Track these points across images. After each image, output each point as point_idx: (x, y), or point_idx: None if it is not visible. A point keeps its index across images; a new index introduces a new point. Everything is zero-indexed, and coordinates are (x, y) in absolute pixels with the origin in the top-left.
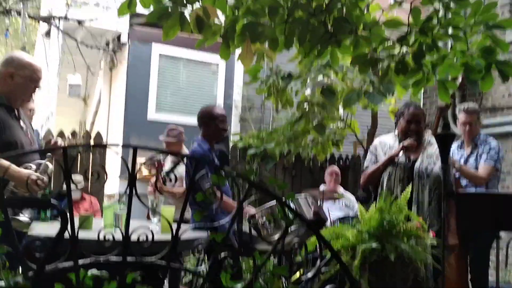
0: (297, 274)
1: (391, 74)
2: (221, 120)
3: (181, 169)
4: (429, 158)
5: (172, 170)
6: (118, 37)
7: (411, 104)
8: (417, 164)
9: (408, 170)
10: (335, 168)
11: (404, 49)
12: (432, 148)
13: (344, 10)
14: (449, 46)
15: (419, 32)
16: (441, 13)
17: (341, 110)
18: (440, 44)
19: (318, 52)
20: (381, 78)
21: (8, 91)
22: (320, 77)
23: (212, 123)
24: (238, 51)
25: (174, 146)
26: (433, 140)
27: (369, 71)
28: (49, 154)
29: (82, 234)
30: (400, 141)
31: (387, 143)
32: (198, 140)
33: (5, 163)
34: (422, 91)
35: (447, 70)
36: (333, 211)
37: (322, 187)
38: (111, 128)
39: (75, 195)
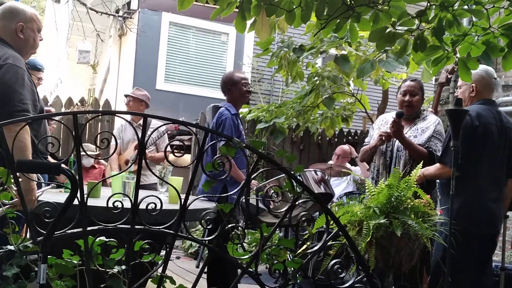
0: (303, 247)
1: (409, 49)
2: (243, 84)
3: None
4: (414, 131)
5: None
6: (128, 4)
7: (409, 78)
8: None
9: (392, 144)
10: (344, 147)
11: (423, 24)
12: (423, 123)
13: None
14: (465, 23)
15: (439, 7)
16: None
17: (351, 86)
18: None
19: (336, 26)
20: (399, 54)
21: (21, 46)
22: (332, 50)
23: (234, 88)
24: (248, 21)
25: (139, 106)
26: (430, 117)
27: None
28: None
29: (91, 202)
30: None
31: (386, 117)
32: (225, 105)
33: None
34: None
35: (468, 49)
36: (340, 185)
37: (330, 162)
38: (120, 96)
39: (86, 162)
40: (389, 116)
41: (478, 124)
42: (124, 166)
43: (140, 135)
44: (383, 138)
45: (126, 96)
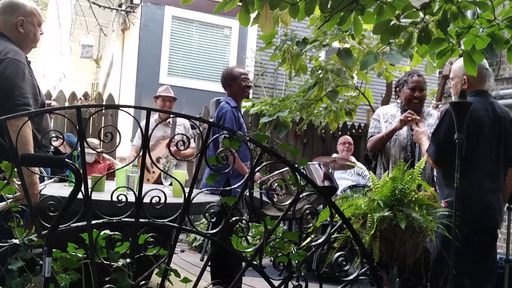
0: (307, 240)
1: (413, 42)
2: (243, 78)
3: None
4: (430, 127)
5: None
6: None
7: (414, 72)
8: None
9: (411, 138)
10: (347, 137)
11: (427, 17)
12: (432, 119)
13: None
14: (470, 15)
15: None
16: None
17: (355, 79)
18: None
19: (340, 19)
20: (403, 47)
21: (21, 41)
22: (335, 43)
23: (234, 83)
24: (252, 15)
25: (169, 103)
26: (432, 111)
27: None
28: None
29: (95, 196)
30: (403, 109)
31: (389, 111)
32: (226, 99)
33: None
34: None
35: (473, 41)
36: (344, 179)
37: (334, 156)
38: (123, 90)
39: (89, 156)
40: (390, 109)
41: (470, 118)
42: (152, 164)
43: (143, 129)
44: (405, 120)
45: (164, 97)
